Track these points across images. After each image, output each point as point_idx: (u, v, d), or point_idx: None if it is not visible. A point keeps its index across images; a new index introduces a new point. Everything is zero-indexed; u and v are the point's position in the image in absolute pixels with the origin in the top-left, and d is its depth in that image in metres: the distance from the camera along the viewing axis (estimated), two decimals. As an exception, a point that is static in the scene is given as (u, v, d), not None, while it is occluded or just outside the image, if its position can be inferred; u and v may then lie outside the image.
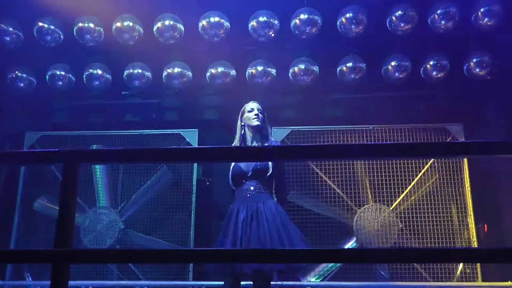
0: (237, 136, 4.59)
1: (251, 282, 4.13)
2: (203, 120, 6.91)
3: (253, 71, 6.45)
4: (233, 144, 4.64)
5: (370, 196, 6.31)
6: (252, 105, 4.60)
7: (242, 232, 4.14)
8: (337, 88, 6.74)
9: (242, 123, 4.58)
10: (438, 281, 5.97)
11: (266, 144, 4.47)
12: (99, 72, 6.67)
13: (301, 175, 6.38)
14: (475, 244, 6.05)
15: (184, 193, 6.58)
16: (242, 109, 4.64)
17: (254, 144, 4.51)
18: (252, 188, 4.33)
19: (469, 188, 6.29)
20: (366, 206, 6.21)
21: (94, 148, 6.27)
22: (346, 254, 2.39)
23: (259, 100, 4.69)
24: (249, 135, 4.55)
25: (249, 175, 4.32)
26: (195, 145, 6.54)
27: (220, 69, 6.48)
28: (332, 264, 6.14)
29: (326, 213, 6.29)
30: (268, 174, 4.32)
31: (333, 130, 6.58)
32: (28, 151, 2.49)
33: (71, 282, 2.36)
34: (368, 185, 6.34)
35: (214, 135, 6.26)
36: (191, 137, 6.60)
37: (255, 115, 4.51)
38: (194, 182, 6.51)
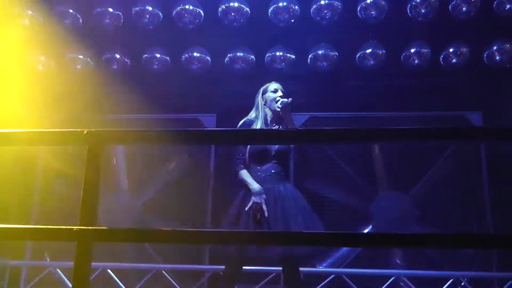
0: (260, 114, 4.44)
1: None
2: (221, 105, 6.90)
3: (272, 56, 6.45)
4: (251, 116, 4.49)
5: (387, 183, 6.31)
6: (276, 85, 4.49)
7: (268, 218, 4.02)
8: (356, 74, 6.70)
9: (264, 101, 4.50)
10: (454, 270, 5.96)
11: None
12: (117, 56, 6.71)
13: (319, 161, 6.42)
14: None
15: (202, 178, 6.64)
16: (264, 87, 4.54)
17: (274, 125, 4.43)
18: (273, 169, 4.25)
19: (486, 176, 6.30)
20: (383, 193, 6.22)
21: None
22: (370, 238, 2.41)
23: (277, 85, 4.67)
24: (269, 115, 4.47)
25: (272, 154, 4.22)
26: (213, 129, 6.62)
27: (239, 54, 6.49)
28: (348, 251, 6.18)
29: (343, 200, 6.32)
30: (290, 154, 4.30)
31: (351, 117, 6.62)
32: (52, 130, 2.50)
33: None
34: (385, 172, 6.34)
35: (232, 120, 6.24)
36: (209, 122, 6.71)
37: (280, 97, 4.41)
38: (212, 168, 6.57)
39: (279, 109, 4.39)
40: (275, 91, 4.46)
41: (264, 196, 4.13)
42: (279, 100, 4.37)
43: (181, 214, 6.43)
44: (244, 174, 4.30)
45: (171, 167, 6.68)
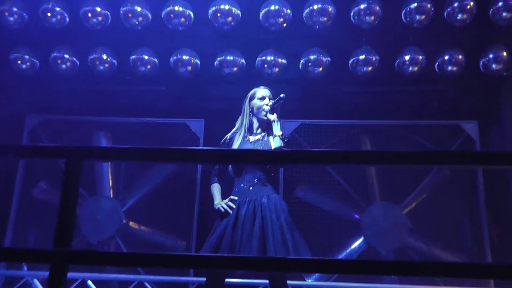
0: (244, 122, 4.44)
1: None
2: (210, 109, 6.86)
3: (263, 60, 6.37)
4: (235, 128, 4.52)
5: (379, 194, 6.26)
6: (264, 91, 4.43)
7: (243, 231, 3.98)
8: (349, 80, 6.63)
9: (250, 109, 4.45)
10: (449, 285, 5.82)
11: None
12: (104, 56, 6.60)
13: (309, 170, 6.35)
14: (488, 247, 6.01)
15: (188, 183, 6.53)
16: (252, 93, 4.48)
17: (259, 131, 4.41)
18: (255, 179, 4.19)
19: (482, 186, 6.23)
20: (375, 204, 6.17)
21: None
22: (352, 265, 2.35)
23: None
24: (255, 123, 4.43)
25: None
26: (200, 135, 6.55)
27: (229, 58, 6.40)
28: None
29: (333, 210, 6.26)
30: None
31: (344, 124, 6.57)
32: (29, 145, 2.45)
33: (68, 274, 2.33)
34: (377, 182, 6.29)
35: (220, 125, 6.16)
36: (197, 127, 6.59)
37: (266, 105, 4.36)
38: (199, 174, 6.48)
39: (266, 118, 4.33)
40: (263, 98, 4.39)
41: (222, 204, 4.15)
42: (265, 109, 4.33)
43: (166, 221, 6.38)
44: (213, 188, 4.36)
45: (156, 173, 6.57)
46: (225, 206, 4.13)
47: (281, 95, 4.26)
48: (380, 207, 6.12)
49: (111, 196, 6.49)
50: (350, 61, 6.35)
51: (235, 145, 4.35)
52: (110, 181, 6.54)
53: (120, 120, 6.78)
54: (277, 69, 6.40)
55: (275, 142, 4.25)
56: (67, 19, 6.44)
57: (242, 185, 4.21)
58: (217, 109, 6.81)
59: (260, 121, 4.41)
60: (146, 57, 6.54)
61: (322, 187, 6.36)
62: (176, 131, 6.58)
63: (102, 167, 6.54)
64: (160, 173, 6.52)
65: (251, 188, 4.17)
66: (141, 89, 6.92)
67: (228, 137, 4.50)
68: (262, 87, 4.53)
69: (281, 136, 4.25)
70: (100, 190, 6.52)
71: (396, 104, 6.70)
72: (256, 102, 4.40)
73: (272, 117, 4.30)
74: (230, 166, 4.37)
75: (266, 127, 4.40)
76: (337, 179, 6.34)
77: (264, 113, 4.34)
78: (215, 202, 4.26)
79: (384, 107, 6.70)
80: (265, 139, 4.36)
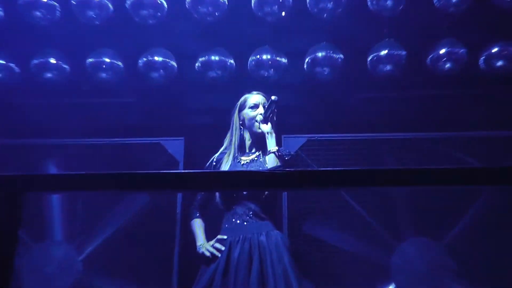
0: (233, 139, 4.49)
1: None
2: (191, 125, 6.77)
3: (257, 60, 6.31)
4: (223, 148, 4.56)
5: (412, 227, 6.10)
6: (256, 98, 4.49)
7: (236, 278, 3.94)
8: (368, 83, 6.58)
9: (240, 121, 4.48)
10: None
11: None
12: (53, 61, 6.51)
13: (322, 199, 6.20)
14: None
15: (166, 221, 6.33)
16: (242, 101, 4.55)
17: (253, 150, 4.46)
18: (250, 212, 4.17)
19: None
20: (407, 240, 6.03)
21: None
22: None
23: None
24: (248, 139, 4.48)
25: (245, 193, 4.11)
26: (180, 158, 6.42)
27: (214, 58, 6.34)
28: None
29: (354, 250, 6.09)
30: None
31: (361, 140, 6.43)
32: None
33: None
34: (409, 211, 6.13)
35: (204, 145, 6.07)
36: (175, 147, 6.45)
37: (260, 114, 4.38)
38: (178, 208, 6.29)
39: (259, 131, 4.32)
40: (255, 106, 4.49)
41: (207, 247, 4.19)
42: (258, 120, 4.35)
43: (137, 271, 6.16)
44: (193, 225, 4.46)
45: (123, 208, 6.39)
46: (210, 249, 4.13)
47: (272, 98, 4.27)
48: (414, 245, 6.00)
49: (64, 241, 6.30)
50: (369, 59, 6.30)
51: (224, 169, 4.34)
52: (62, 221, 6.35)
53: (76, 143, 6.63)
54: (275, 71, 6.35)
55: (269, 161, 4.26)
56: (1, 13, 6.34)
57: (234, 220, 4.22)
58: (200, 124, 6.72)
59: (254, 136, 4.43)
60: (108, 60, 6.47)
61: (338, 220, 6.20)
62: (149, 153, 6.44)
63: (51, 202, 6.34)
64: (128, 208, 6.34)
65: (245, 223, 4.16)
66: (102, 101, 6.85)
67: (215, 159, 4.54)
68: (254, 92, 4.60)
69: (277, 153, 4.23)
70: (49, 233, 6.32)
71: (429, 111, 6.61)
72: (247, 112, 4.46)
73: (266, 128, 4.31)
74: (217, 196, 4.35)
75: (262, 143, 4.38)
76: (357, 209, 6.19)
77: (257, 124, 4.37)
78: (198, 244, 4.29)
79: (413, 116, 6.61)
80: (260, 160, 4.38)
